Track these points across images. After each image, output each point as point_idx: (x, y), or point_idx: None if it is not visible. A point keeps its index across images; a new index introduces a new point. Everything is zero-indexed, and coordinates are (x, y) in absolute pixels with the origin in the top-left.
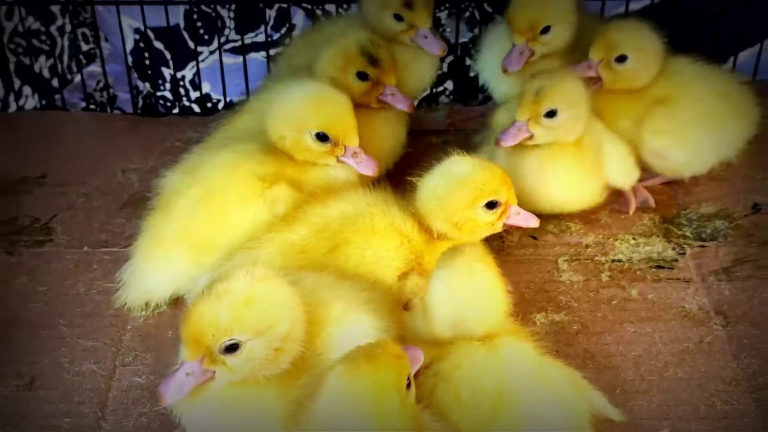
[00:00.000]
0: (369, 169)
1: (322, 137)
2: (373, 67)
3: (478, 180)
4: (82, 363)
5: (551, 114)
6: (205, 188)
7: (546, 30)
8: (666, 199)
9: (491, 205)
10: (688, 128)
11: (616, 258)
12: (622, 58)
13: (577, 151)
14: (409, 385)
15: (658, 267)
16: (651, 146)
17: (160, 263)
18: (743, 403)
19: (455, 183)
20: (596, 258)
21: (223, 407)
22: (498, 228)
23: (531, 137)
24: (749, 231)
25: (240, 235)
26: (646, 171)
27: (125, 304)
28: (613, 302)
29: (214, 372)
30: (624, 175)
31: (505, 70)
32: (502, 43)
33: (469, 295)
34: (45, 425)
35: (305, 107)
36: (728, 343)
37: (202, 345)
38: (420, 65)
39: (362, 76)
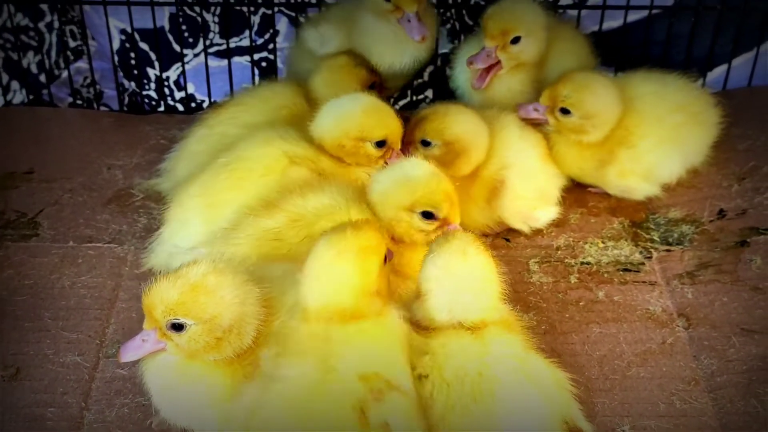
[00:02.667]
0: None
1: (380, 144)
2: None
3: (423, 187)
4: (67, 355)
5: (516, 40)
6: (235, 157)
7: (516, 40)
8: (636, 204)
9: (428, 215)
10: (654, 159)
11: (585, 261)
12: (565, 111)
13: (472, 182)
14: (385, 261)
15: (625, 270)
16: (618, 186)
17: (180, 225)
18: (701, 402)
19: (401, 183)
20: (566, 260)
21: (174, 379)
22: (431, 239)
23: (498, 64)
24: (714, 236)
25: (250, 204)
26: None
27: (150, 267)
28: (581, 303)
29: (165, 344)
30: (517, 217)
31: (470, 63)
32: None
33: (464, 278)
34: (29, 415)
35: (368, 119)
36: (689, 344)
37: (154, 318)
38: (402, 43)
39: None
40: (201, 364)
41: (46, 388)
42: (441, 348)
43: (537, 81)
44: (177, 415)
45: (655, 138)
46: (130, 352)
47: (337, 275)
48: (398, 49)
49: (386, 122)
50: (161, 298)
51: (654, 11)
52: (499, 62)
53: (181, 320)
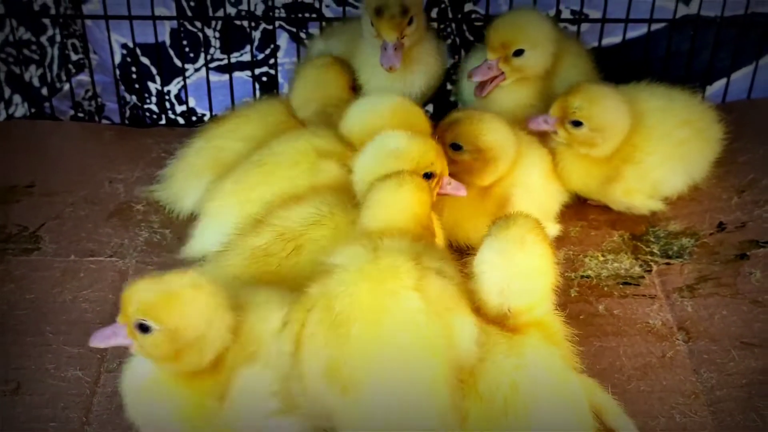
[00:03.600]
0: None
1: (428, 176)
2: None
3: (414, 153)
4: (68, 369)
5: (519, 53)
6: (266, 151)
7: (519, 53)
8: (636, 217)
9: (427, 177)
10: (659, 176)
11: (585, 274)
12: (576, 123)
13: (484, 197)
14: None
15: (625, 283)
16: (623, 203)
17: (212, 217)
18: (701, 416)
19: (391, 157)
20: (566, 274)
21: (145, 392)
22: (433, 199)
23: (502, 75)
24: (714, 249)
25: (280, 195)
26: None
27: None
28: (581, 317)
29: (132, 342)
30: None
31: (469, 77)
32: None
33: (520, 265)
34: (30, 430)
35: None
36: (689, 357)
37: (126, 314)
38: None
39: None
40: (171, 379)
41: (47, 402)
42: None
43: (545, 94)
44: (148, 428)
45: (661, 154)
46: (98, 339)
47: (399, 201)
48: (373, 70)
49: (414, 121)
50: (137, 296)
51: (653, 27)
52: (502, 73)
53: (148, 322)
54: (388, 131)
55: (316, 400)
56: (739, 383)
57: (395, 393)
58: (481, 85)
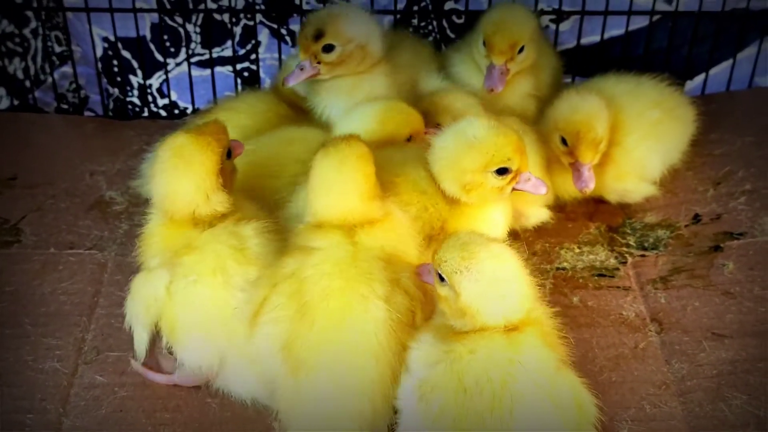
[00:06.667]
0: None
1: (503, 171)
2: None
3: (491, 145)
4: (46, 361)
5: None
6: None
7: (521, 49)
8: (613, 209)
9: (502, 171)
10: (640, 155)
11: (560, 266)
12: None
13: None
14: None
15: (600, 275)
16: (616, 189)
17: None
18: (670, 406)
19: (468, 146)
20: (541, 266)
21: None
22: (507, 193)
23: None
24: (689, 241)
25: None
26: None
27: None
28: (555, 309)
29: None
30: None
31: (491, 90)
32: (459, 66)
33: (505, 281)
34: (7, 421)
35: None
36: (661, 348)
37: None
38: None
39: None
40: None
41: (24, 394)
42: (468, 354)
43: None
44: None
45: (638, 134)
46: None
47: (344, 183)
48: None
49: (409, 119)
50: None
51: (633, 27)
52: (508, 70)
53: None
54: (473, 117)
55: (266, 369)
56: (709, 374)
57: (334, 388)
58: (496, 80)
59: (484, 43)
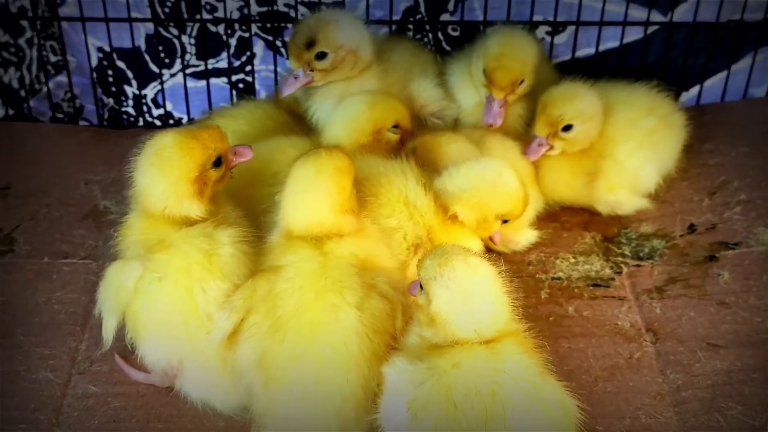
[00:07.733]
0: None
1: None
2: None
3: (515, 200)
4: (39, 371)
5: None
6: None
7: (521, 82)
8: (608, 219)
9: (505, 221)
10: (633, 166)
11: (555, 276)
12: (567, 128)
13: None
14: None
15: (595, 285)
16: (608, 200)
17: None
18: (665, 417)
19: (498, 193)
20: (537, 276)
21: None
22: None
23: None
24: (684, 251)
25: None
26: None
27: None
28: (550, 319)
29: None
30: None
31: (490, 126)
32: (454, 76)
33: (479, 293)
34: (0, 431)
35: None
36: (656, 359)
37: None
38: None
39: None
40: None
41: (17, 404)
42: (452, 368)
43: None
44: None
45: (632, 143)
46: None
47: (317, 193)
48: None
49: (397, 106)
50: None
51: (627, 40)
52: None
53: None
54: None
55: (244, 382)
56: (704, 384)
57: (302, 402)
58: (495, 115)
59: (484, 71)
